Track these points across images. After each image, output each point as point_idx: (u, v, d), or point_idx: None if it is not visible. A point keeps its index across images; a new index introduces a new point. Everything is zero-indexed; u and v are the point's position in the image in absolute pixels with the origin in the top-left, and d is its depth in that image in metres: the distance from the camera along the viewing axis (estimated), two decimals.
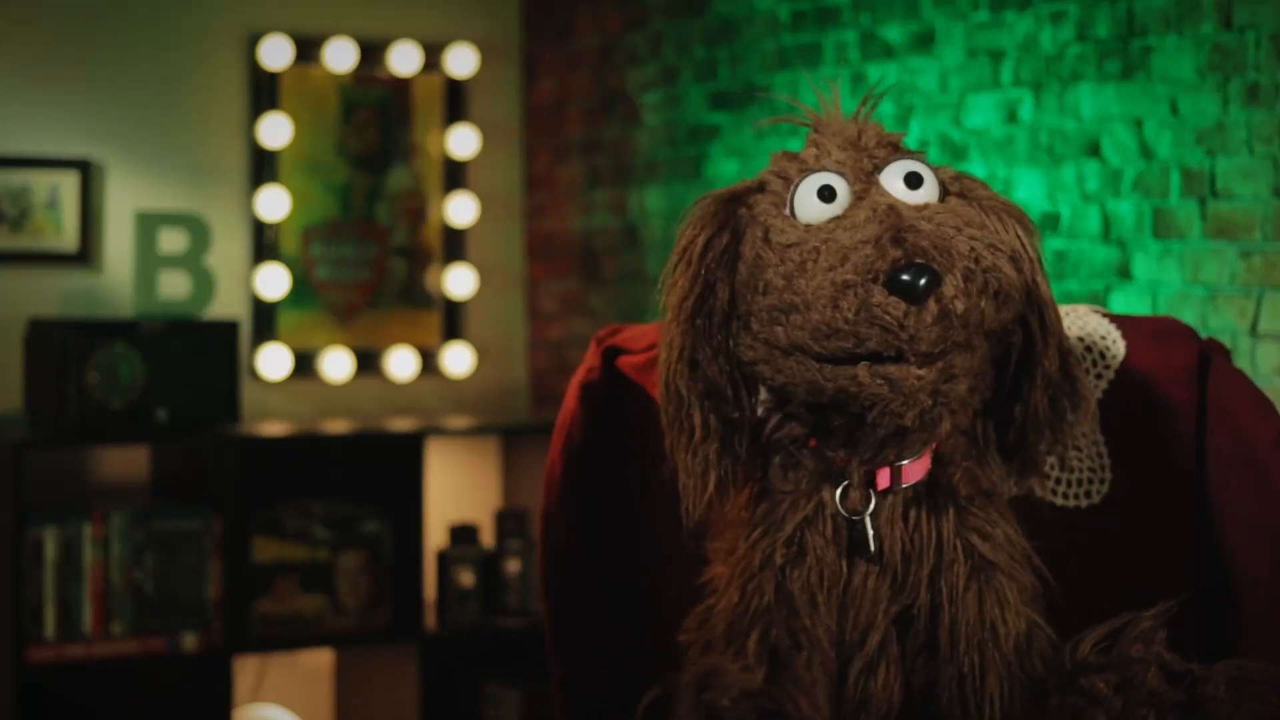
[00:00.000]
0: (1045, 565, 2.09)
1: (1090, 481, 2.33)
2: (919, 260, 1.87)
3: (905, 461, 2.02)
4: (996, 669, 2.01)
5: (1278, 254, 3.08)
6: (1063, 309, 2.42)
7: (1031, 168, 3.51)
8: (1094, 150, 3.39)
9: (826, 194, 1.99)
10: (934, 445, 2.03)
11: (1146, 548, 2.33)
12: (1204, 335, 2.59)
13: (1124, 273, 3.35)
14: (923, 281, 1.86)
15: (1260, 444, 2.28)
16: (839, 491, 2.03)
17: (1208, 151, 3.19)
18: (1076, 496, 2.33)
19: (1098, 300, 3.38)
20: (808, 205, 1.99)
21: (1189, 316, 3.20)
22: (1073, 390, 2.05)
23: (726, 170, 4.24)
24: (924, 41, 3.73)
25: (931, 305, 1.87)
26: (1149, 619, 2.06)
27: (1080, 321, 2.41)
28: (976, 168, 3.61)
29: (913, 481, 2.03)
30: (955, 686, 2.02)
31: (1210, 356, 2.37)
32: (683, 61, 4.39)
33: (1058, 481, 2.33)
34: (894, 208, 1.94)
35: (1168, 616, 2.07)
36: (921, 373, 1.90)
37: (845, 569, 2.03)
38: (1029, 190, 3.51)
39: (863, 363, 1.91)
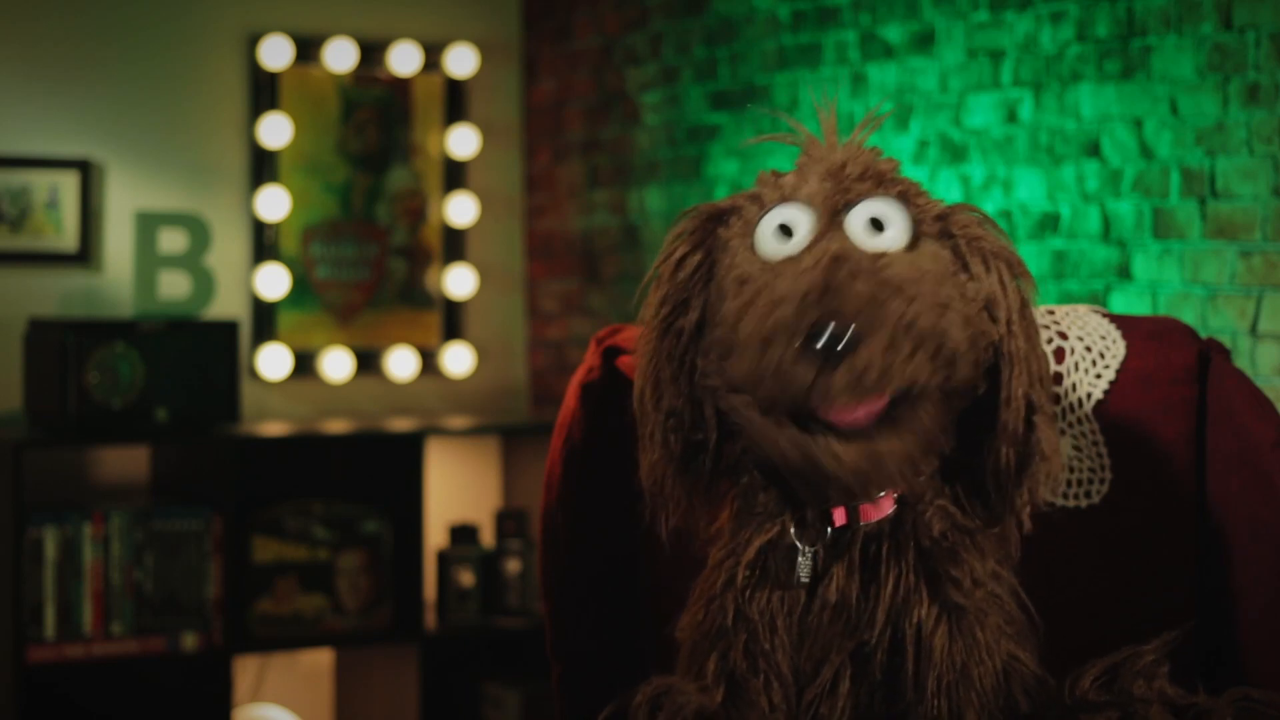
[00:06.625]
0: (1045, 565, 2.08)
1: (1090, 481, 2.33)
2: (837, 324, 1.81)
3: (861, 501, 1.98)
4: (974, 708, 1.96)
5: (1278, 254, 3.08)
6: (1062, 309, 2.42)
7: (1031, 168, 3.50)
8: (1094, 150, 3.39)
9: (784, 232, 1.96)
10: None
11: (1146, 548, 2.32)
12: (1204, 335, 2.59)
13: (1124, 273, 3.34)
14: (835, 345, 1.80)
15: (1260, 444, 2.28)
16: (795, 521, 2.00)
17: (1208, 151, 3.19)
18: (1076, 496, 2.33)
19: (1098, 300, 3.38)
20: (767, 241, 1.96)
21: (1189, 316, 3.20)
22: (1029, 450, 1.96)
23: (726, 170, 4.23)
24: (924, 41, 3.73)
25: (842, 371, 1.81)
26: (1150, 652, 2.01)
27: (1080, 321, 2.41)
28: (976, 168, 3.61)
29: (874, 520, 1.98)
30: None
31: (1210, 356, 2.36)
32: (683, 61, 4.39)
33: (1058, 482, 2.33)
34: (839, 258, 1.87)
35: (1169, 649, 2.02)
36: (839, 450, 1.85)
37: (805, 597, 1.99)
38: (1029, 190, 3.51)
39: (786, 430, 1.87)
